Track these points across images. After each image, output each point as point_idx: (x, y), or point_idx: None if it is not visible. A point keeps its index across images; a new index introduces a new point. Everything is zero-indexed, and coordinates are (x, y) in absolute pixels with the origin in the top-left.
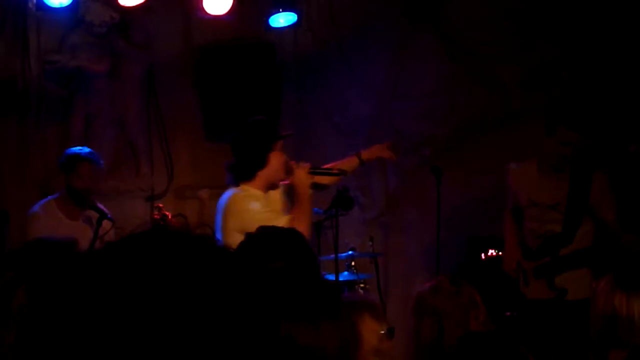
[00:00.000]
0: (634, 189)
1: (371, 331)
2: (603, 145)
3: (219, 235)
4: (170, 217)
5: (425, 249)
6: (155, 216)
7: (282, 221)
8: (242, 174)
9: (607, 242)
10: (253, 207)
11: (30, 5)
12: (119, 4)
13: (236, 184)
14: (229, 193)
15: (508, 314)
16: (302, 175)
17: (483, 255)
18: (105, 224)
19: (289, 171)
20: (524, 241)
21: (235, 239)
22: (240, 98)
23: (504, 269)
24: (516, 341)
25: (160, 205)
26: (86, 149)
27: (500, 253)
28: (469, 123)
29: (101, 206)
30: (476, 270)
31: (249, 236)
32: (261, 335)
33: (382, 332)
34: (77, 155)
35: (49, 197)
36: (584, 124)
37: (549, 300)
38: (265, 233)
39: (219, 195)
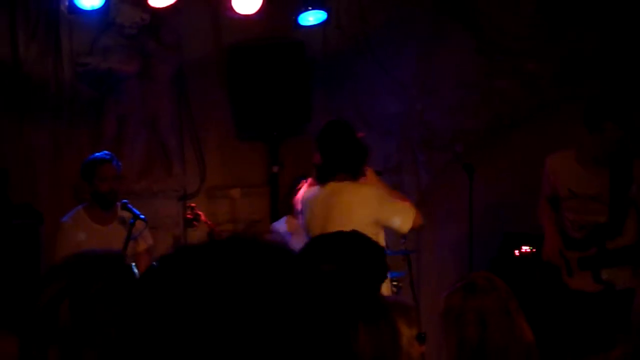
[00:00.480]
0: None
1: (401, 335)
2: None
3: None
4: (203, 216)
5: (457, 245)
6: (188, 216)
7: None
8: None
9: None
10: None
11: (62, 8)
12: (149, 5)
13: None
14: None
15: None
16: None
17: (517, 252)
18: (139, 224)
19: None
20: (564, 231)
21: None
22: (270, 96)
23: (543, 258)
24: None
25: (193, 204)
26: (102, 152)
27: (534, 249)
28: (500, 117)
29: (132, 207)
30: (510, 266)
31: (312, 239)
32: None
33: (413, 336)
34: (94, 160)
35: (78, 207)
36: (629, 120)
37: (595, 293)
38: (327, 236)
39: (250, 194)
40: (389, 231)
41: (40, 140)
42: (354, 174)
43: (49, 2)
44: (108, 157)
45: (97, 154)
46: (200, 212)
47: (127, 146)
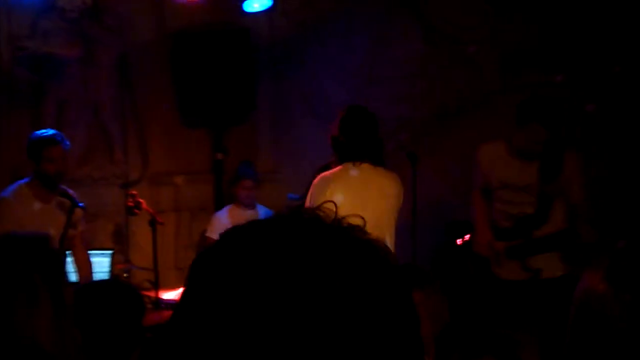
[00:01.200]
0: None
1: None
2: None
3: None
4: (144, 204)
5: (401, 235)
6: (129, 203)
7: None
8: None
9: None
10: None
11: None
12: None
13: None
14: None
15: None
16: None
17: (459, 241)
18: (77, 211)
19: None
20: (494, 222)
21: None
22: (215, 84)
23: (474, 249)
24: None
25: (134, 192)
26: (50, 131)
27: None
28: (445, 107)
29: (72, 192)
30: (452, 255)
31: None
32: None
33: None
34: (44, 139)
35: (19, 182)
36: (555, 123)
37: (523, 281)
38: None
39: (194, 181)
40: None
41: None
42: (379, 161)
43: None
44: (59, 138)
45: (46, 132)
46: (141, 200)
47: (67, 131)
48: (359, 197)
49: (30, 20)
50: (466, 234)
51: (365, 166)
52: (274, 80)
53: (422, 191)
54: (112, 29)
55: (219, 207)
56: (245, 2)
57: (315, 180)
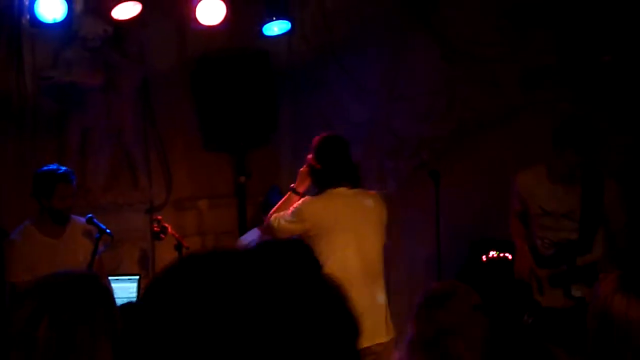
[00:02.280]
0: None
1: None
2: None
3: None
4: (170, 229)
5: (426, 253)
6: (155, 228)
7: None
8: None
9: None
10: None
11: (24, 21)
12: (112, 17)
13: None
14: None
15: (526, 318)
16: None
17: (484, 257)
18: (105, 238)
19: None
20: (535, 248)
21: None
22: (236, 107)
23: (515, 277)
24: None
25: (160, 217)
26: (60, 168)
27: (501, 254)
28: (467, 124)
29: (97, 221)
30: (478, 272)
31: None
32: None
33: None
34: (58, 176)
35: (26, 222)
36: (590, 148)
37: (566, 309)
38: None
39: (218, 205)
40: None
41: (4, 155)
42: (357, 183)
43: (10, 15)
44: (72, 176)
45: (55, 168)
46: (167, 225)
47: (92, 159)
48: (351, 218)
49: (53, 50)
50: (491, 251)
51: (343, 190)
52: (294, 102)
53: (444, 209)
54: (133, 57)
55: (242, 230)
56: (265, 26)
57: (305, 201)
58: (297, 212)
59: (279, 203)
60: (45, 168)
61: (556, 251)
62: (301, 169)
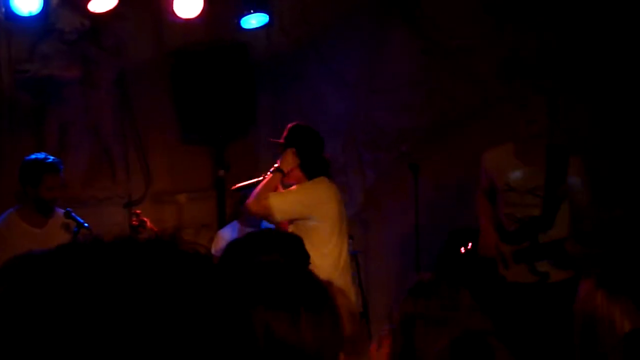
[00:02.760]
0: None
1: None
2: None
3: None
4: (148, 223)
5: (405, 244)
6: (134, 222)
7: None
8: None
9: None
10: None
11: None
12: (89, 10)
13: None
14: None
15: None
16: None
17: (462, 249)
18: (83, 232)
19: None
20: (500, 224)
21: None
22: (215, 100)
23: (479, 252)
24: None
25: (138, 211)
26: (49, 158)
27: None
28: (446, 115)
29: (75, 215)
30: (456, 264)
31: (249, 234)
32: (231, 323)
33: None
34: (45, 166)
35: (10, 210)
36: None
37: (531, 284)
38: (268, 232)
39: (197, 198)
40: None
41: None
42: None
43: None
44: (60, 166)
45: (43, 158)
46: (145, 219)
47: (70, 154)
48: (342, 210)
49: (30, 43)
50: (469, 242)
51: (327, 180)
52: (273, 95)
53: (424, 200)
54: (110, 50)
55: (221, 223)
56: (243, 19)
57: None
58: (299, 197)
59: (262, 183)
60: (33, 156)
61: (519, 227)
62: (289, 149)
